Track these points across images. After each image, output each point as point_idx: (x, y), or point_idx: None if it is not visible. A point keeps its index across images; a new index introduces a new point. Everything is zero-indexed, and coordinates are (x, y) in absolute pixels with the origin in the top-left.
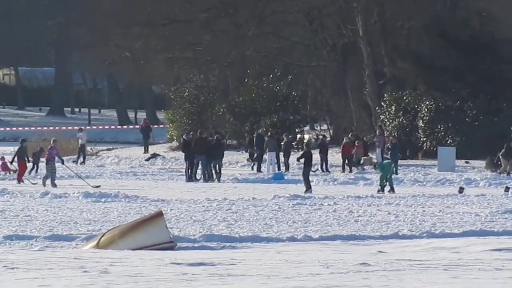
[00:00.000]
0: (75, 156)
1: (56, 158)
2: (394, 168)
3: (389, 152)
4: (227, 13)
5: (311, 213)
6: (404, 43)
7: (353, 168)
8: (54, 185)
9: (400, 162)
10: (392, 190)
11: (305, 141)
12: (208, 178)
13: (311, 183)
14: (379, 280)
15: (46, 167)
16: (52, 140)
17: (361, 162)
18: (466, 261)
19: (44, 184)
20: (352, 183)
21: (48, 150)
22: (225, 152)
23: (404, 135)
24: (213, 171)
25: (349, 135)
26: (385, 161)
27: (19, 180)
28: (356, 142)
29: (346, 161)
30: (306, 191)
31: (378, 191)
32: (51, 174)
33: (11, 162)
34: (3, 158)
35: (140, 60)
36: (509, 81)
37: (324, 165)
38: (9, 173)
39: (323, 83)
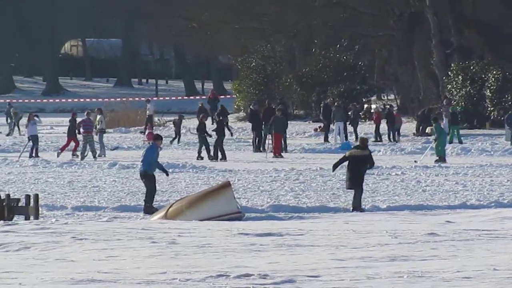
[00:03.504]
0: (142, 127)
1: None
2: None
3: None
4: None
5: (378, 183)
6: (470, 12)
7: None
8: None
9: (467, 132)
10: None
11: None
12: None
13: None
14: (447, 250)
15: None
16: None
17: (427, 131)
18: None
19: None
20: (419, 153)
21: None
22: (292, 122)
23: (471, 104)
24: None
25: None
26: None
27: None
28: (394, 111)
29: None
30: (212, 159)
31: (436, 160)
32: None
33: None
34: (150, 127)
35: (207, 30)
36: None
37: (391, 134)
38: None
39: (390, 53)
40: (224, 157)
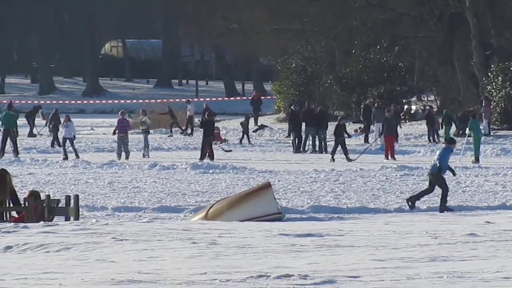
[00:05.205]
0: (183, 128)
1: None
2: None
3: None
4: None
5: (418, 184)
6: (510, 14)
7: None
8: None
9: (506, 132)
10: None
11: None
12: (314, 149)
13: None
14: (487, 250)
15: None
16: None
17: (466, 132)
18: None
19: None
20: (458, 154)
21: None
22: (332, 123)
23: (510, 105)
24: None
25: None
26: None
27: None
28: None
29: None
30: (200, 159)
31: (473, 161)
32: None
33: None
34: (217, 128)
35: (248, 31)
36: None
37: (432, 135)
38: (220, 142)
39: (430, 54)
40: (211, 157)
